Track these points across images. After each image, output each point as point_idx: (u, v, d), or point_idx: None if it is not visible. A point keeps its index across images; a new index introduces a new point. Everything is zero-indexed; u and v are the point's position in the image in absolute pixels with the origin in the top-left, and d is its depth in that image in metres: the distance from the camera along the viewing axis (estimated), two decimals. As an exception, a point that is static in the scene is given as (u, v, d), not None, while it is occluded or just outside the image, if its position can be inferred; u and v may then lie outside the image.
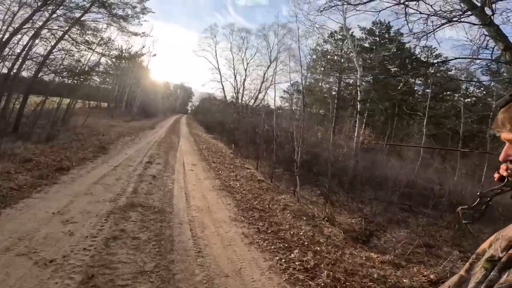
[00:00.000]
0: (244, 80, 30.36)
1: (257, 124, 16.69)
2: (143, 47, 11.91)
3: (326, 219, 5.72)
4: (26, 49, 9.32)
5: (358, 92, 13.60)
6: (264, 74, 29.54)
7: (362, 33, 25.27)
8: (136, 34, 12.23)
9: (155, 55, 12.55)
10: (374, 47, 23.16)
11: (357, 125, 12.75)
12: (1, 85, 10.52)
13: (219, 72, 29.97)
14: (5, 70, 9.23)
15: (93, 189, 4.72)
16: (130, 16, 11.43)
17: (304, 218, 5.28)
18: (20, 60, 9.94)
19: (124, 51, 11.50)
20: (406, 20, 6.87)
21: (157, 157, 8.44)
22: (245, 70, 30.22)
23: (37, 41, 9.52)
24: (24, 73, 10.19)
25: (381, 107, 16.32)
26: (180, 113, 64.68)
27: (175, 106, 69.01)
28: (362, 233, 5.91)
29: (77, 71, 11.03)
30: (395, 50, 19.80)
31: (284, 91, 31.79)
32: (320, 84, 28.60)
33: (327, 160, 9.35)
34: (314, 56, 27.23)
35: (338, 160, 10.43)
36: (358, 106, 13.09)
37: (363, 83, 15.52)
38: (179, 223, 4.02)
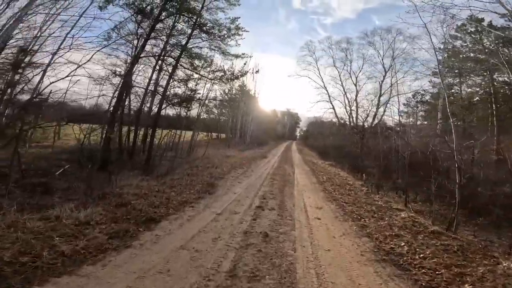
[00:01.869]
0: (356, 96, 26.28)
1: (390, 145, 12.69)
2: (245, 64, 10.85)
3: None
4: (153, 81, 9.90)
5: None
6: (381, 86, 24.83)
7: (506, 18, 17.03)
8: (237, 56, 11.68)
9: (257, 71, 11.67)
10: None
11: None
12: (136, 119, 11.87)
13: (326, 90, 27.18)
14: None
15: (174, 262, 2.94)
16: (226, 36, 10.98)
17: None
18: (149, 94, 10.95)
19: (227, 70, 10.97)
20: None
21: (270, 197, 6.46)
22: (355, 85, 26.28)
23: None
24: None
25: None
26: (289, 140, 64.97)
27: (284, 132, 70.10)
28: None
29: (183, 97, 11.18)
30: None
31: (404, 104, 25.44)
32: (457, 89, 21.01)
33: None
34: (441, 57, 20.62)
35: None
36: None
37: None
38: None
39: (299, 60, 27.78)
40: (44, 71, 6.33)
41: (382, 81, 24.24)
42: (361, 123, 26.20)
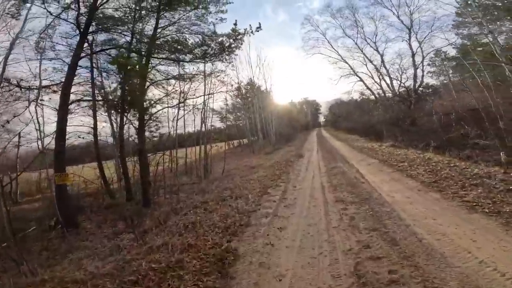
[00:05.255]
0: (382, 61, 22.00)
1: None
2: (235, 25, 6.78)
3: None
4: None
5: None
6: (410, 45, 21.23)
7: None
8: (229, 36, 7.47)
9: (258, 28, 6.69)
10: None
11: None
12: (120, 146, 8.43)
13: (346, 62, 23.25)
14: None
15: None
16: (201, 7, 7.28)
17: None
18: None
19: (210, 42, 7.10)
20: None
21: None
22: (376, 50, 22.48)
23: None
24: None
25: None
26: (315, 128, 61.18)
27: (307, 122, 66.34)
28: None
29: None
30: None
31: (429, 64, 21.14)
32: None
33: None
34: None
35: None
36: None
37: None
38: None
39: (304, 38, 24.63)
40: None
41: (409, 39, 20.86)
42: (398, 90, 21.76)
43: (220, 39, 7.12)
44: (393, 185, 5.22)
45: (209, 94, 11.90)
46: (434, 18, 19.16)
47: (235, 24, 6.87)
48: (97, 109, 8.54)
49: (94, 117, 8.79)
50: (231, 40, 7.04)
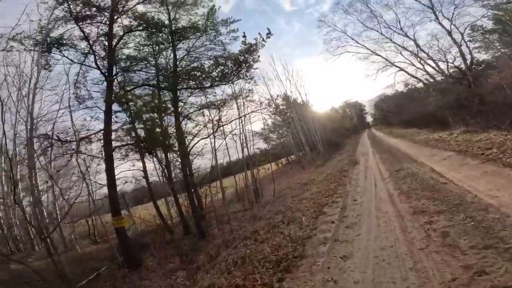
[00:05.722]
0: (417, 46, 19.79)
1: None
2: (245, 37, 6.30)
3: None
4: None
5: None
6: (440, 23, 18.17)
7: None
8: (245, 52, 7.14)
9: (269, 33, 6.16)
10: None
11: None
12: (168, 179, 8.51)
13: (379, 55, 21.44)
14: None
15: None
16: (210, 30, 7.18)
17: None
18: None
19: (227, 61, 6.81)
20: None
21: None
22: (406, 35, 20.82)
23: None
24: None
25: None
26: (364, 129, 57.54)
27: (354, 125, 62.58)
28: None
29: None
30: None
31: (470, 40, 18.06)
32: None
33: None
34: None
35: None
36: None
37: None
38: None
39: (325, 40, 23.73)
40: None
41: (437, 18, 18.32)
42: (448, 71, 19.14)
43: (233, 57, 6.95)
44: (491, 181, 3.96)
45: (244, 115, 11.68)
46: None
47: (244, 37, 6.63)
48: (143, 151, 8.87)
49: (142, 160, 9.15)
50: (246, 54, 6.77)
